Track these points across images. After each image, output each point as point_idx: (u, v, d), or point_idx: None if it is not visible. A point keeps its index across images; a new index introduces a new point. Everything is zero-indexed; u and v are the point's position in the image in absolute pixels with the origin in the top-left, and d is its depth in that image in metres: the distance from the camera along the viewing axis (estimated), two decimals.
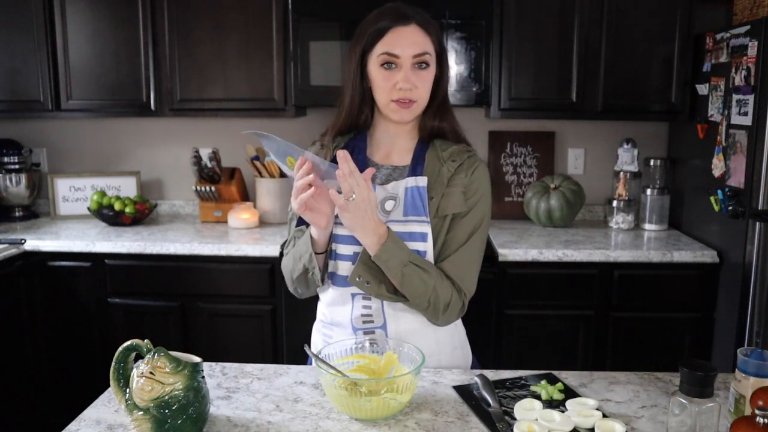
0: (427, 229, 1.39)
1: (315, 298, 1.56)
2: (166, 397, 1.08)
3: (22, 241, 2.73)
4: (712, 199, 2.54)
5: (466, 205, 1.42)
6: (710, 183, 2.59)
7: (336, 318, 1.46)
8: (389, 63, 1.37)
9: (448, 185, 1.42)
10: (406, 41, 1.36)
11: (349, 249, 1.40)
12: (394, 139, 1.48)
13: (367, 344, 1.32)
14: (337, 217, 1.38)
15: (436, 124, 1.46)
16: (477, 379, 1.31)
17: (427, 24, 1.40)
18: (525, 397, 1.27)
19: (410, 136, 1.48)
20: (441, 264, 1.40)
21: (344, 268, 1.41)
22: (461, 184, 1.42)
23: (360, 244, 1.35)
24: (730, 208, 2.39)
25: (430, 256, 1.40)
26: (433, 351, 1.46)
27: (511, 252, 2.58)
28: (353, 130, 1.48)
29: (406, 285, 1.34)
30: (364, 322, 1.42)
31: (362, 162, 1.45)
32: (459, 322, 1.54)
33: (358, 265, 1.36)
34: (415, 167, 1.43)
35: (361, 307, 1.42)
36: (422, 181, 1.41)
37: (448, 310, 1.39)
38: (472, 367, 1.57)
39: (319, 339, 1.53)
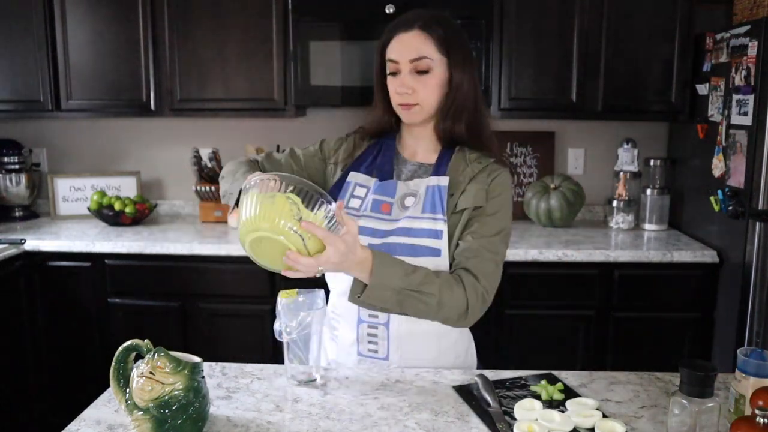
0: (442, 226, 1.38)
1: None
2: (166, 397, 1.08)
3: (22, 241, 2.73)
4: (712, 199, 2.54)
5: (489, 205, 1.40)
6: (710, 183, 2.58)
7: (340, 309, 1.47)
8: (393, 71, 1.41)
9: (469, 183, 1.42)
10: (404, 47, 1.40)
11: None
12: (417, 140, 1.51)
13: None
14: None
15: (448, 129, 1.44)
16: (477, 379, 1.31)
17: (431, 29, 1.39)
18: (525, 397, 1.26)
19: (432, 140, 1.50)
20: (461, 260, 1.36)
21: None
22: (483, 182, 1.42)
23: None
24: (730, 208, 2.39)
25: (444, 254, 1.38)
26: (434, 356, 1.47)
27: (511, 252, 2.56)
28: (384, 134, 1.53)
29: (406, 309, 1.31)
30: (369, 315, 1.43)
31: (390, 157, 1.50)
32: (466, 331, 1.52)
33: (356, 284, 1.28)
34: (439, 167, 1.45)
35: None
36: (444, 180, 1.42)
37: (467, 316, 1.33)
38: None
39: (326, 334, 1.52)
